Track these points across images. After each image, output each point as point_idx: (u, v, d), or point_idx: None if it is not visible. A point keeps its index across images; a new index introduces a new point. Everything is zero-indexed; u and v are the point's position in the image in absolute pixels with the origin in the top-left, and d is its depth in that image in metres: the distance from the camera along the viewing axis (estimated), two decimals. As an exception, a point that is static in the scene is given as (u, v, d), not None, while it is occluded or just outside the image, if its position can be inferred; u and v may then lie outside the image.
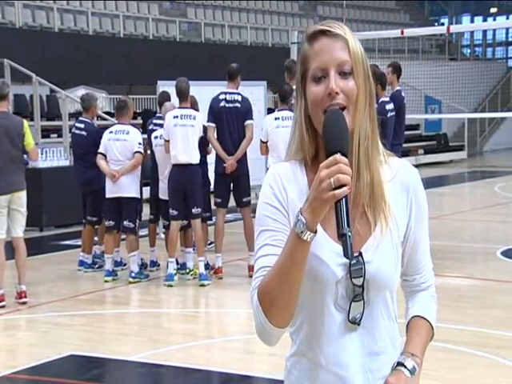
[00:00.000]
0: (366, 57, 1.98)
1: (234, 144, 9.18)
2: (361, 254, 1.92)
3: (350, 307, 1.93)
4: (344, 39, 1.93)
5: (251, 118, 9.30)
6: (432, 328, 2.12)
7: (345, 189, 1.74)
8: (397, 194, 2.02)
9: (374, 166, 1.97)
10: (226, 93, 9.30)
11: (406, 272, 2.08)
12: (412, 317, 2.10)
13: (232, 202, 9.56)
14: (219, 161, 9.26)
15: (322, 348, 1.96)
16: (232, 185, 9.34)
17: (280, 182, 1.99)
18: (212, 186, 9.68)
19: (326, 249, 1.92)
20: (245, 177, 9.31)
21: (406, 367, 1.96)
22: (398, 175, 2.03)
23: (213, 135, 9.23)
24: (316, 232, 1.81)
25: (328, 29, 1.94)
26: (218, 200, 9.38)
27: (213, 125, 9.22)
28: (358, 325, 1.95)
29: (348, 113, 1.91)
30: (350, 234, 1.77)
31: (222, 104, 9.21)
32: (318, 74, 1.93)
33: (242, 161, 9.26)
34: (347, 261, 1.89)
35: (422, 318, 2.10)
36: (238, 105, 9.23)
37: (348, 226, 1.77)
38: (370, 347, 1.97)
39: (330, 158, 1.77)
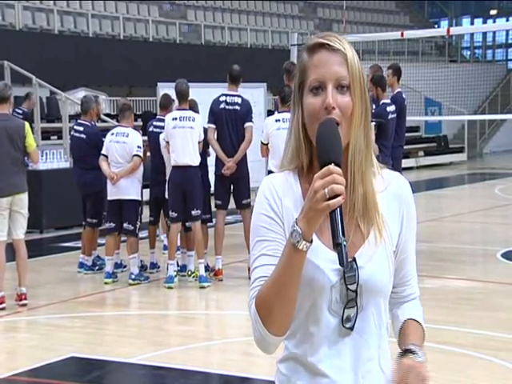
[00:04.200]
0: (364, 72, 2.00)
1: (233, 146, 9.19)
2: (354, 259, 1.95)
3: (344, 312, 1.95)
4: (343, 54, 1.96)
5: (251, 121, 9.31)
6: (424, 335, 2.12)
7: (339, 199, 1.77)
8: (389, 205, 2.05)
9: (368, 178, 2.00)
10: (226, 95, 9.32)
11: (395, 283, 2.09)
12: (407, 319, 2.11)
13: (232, 204, 9.57)
14: (219, 162, 9.27)
15: (315, 352, 1.98)
16: (232, 187, 9.35)
17: (275, 193, 2.01)
18: (212, 188, 9.68)
19: (321, 255, 1.94)
20: (244, 179, 9.32)
21: (417, 355, 1.98)
22: (390, 186, 2.06)
23: (213, 136, 9.25)
24: (312, 241, 1.84)
25: (328, 42, 1.96)
26: (218, 202, 9.40)
27: (213, 126, 9.23)
28: (352, 330, 1.97)
29: (341, 127, 1.93)
30: (345, 243, 1.80)
31: (222, 106, 9.23)
32: (315, 86, 1.96)
33: (242, 163, 9.27)
34: (341, 266, 1.91)
35: (417, 322, 2.11)
36: (237, 107, 9.25)
37: (343, 235, 1.80)
38: (362, 352, 1.99)
39: (324, 169, 1.79)
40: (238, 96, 9.34)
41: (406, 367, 1.94)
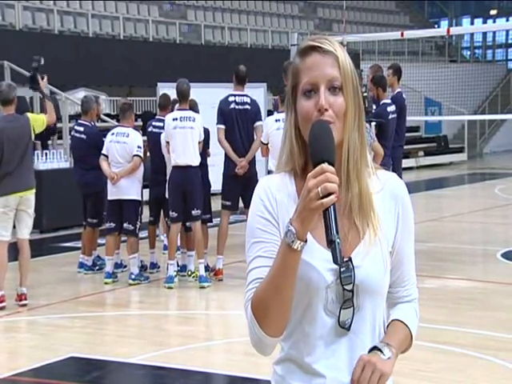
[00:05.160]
0: (356, 73, 2.02)
1: (244, 146, 9.20)
2: (350, 259, 1.95)
3: (340, 312, 1.96)
4: (335, 56, 1.98)
5: (261, 119, 9.35)
6: (411, 337, 2.11)
7: (332, 197, 1.78)
8: (385, 205, 2.05)
9: (363, 177, 2.01)
10: (235, 95, 9.33)
11: (390, 284, 2.09)
12: (392, 320, 2.11)
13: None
14: (229, 163, 9.24)
15: (311, 352, 1.99)
16: (242, 186, 9.32)
17: (270, 194, 2.02)
18: (220, 189, 9.63)
19: (316, 255, 1.95)
20: (255, 177, 9.28)
21: (382, 352, 1.98)
22: (386, 187, 2.07)
23: (223, 137, 9.24)
24: (306, 241, 1.84)
25: (319, 45, 1.98)
26: (228, 203, 9.34)
27: (223, 126, 9.23)
28: (348, 330, 1.97)
29: (335, 127, 1.94)
30: (338, 240, 1.80)
31: (232, 106, 9.24)
32: (308, 88, 1.97)
33: (252, 162, 9.29)
34: (337, 266, 1.92)
35: (403, 323, 2.10)
36: (247, 107, 9.27)
37: (337, 232, 1.80)
38: (358, 352, 1.99)
39: (317, 168, 1.81)
40: (246, 96, 9.37)
41: (362, 362, 1.95)
